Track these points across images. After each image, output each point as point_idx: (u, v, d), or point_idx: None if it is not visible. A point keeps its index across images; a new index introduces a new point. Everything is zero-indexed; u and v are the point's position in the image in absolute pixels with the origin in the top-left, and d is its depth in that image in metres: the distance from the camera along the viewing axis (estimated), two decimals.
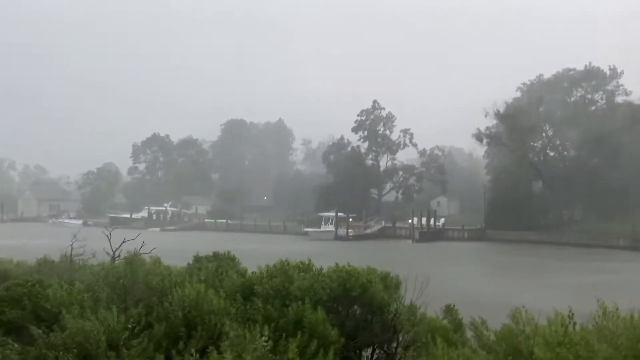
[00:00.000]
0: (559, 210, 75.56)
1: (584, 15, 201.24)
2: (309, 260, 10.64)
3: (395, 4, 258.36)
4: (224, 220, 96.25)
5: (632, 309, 7.68)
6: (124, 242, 17.21)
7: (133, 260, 13.49)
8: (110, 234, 17.87)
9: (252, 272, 11.67)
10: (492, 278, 41.32)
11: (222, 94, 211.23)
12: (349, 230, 78.70)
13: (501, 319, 9.62)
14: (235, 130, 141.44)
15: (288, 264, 10.20)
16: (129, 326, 8.49)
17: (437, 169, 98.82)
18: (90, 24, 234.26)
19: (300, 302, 8.65)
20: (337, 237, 76.10)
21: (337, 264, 9.72)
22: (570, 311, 7.21)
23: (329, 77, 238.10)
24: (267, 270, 10.40)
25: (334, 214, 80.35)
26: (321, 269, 10.08)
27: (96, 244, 18.04)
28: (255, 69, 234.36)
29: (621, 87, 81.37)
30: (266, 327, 7.84)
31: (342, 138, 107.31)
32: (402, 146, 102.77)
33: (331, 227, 79.31)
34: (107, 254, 17.39)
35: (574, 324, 7.14)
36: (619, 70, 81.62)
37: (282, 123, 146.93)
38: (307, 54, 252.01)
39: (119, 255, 16.76)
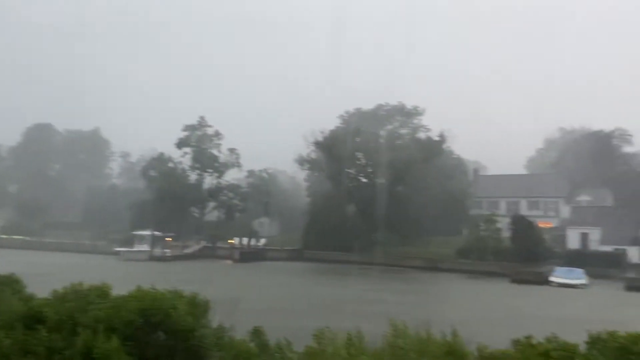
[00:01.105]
0: (368, 232, 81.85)
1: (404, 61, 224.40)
2: (107, 283, 9.70)
3: (220, 26, 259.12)
4: (21, 237, 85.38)
5: (420, 325, 8.46)
6: None
7: None
8: None
9: (42, 297, 10.28)
10: (300, 296, 42.76)
11: (30, 92, 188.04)
12: (166, 250, 75.28)
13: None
14: (40, 136, 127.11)
15: (82, 288, 9.16)
16: None
17: (262, 190, 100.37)
18: None
19: (92, 331, 7.78)
20: (153, 258, 72.23)
21: (139, 288, 8.99)
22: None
23: (151, 89, 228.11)
24: (58, 295, 9.22)
25: (149, 233, 76.30)
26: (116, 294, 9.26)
27: None
28: (74, 75, 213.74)
29: (422, 125, 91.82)
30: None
31: (163, 153, 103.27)
32: (228, 165, 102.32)
33: (146, 247, 75.05)
34: None
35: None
36: (421, 109, 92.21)
37: (97, 132, 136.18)
38: (126, 62, 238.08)
39: None
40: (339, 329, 8.78)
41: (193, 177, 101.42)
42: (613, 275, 56.38)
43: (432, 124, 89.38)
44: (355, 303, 37.31)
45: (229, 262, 72.71)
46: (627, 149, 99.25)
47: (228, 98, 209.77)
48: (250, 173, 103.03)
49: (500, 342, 9.13)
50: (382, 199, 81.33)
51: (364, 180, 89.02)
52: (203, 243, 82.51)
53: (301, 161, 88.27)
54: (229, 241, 78.51)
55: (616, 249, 63.34)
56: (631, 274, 55.20)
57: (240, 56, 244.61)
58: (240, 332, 10.61)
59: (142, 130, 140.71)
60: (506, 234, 69.70)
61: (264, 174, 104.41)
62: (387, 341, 8.24)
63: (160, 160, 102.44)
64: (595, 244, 66.53)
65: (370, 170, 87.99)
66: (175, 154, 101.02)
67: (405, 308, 32.17)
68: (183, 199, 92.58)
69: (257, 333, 9.87)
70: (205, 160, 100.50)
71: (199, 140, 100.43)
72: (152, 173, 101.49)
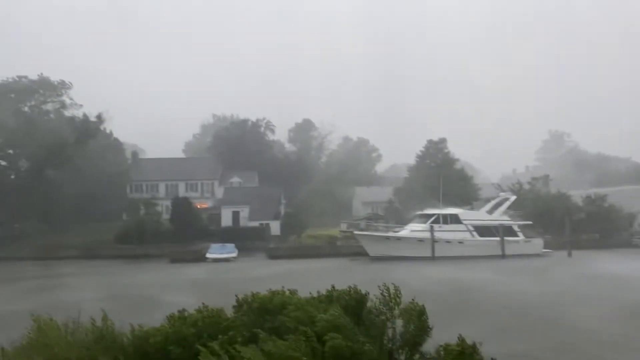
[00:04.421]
0: (10, 224, 71.46)
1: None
2: None
3: None
4: None
5: (68, 320, 7.80)
6: None
7: None
8: None
9: None
10: None
11: None
12: None
13: None
14: None
15: None
16: None
17: None
18: None
19: None
20: None
21: None
22: None
23: None
24: None
25: None
26: None
27: None
28: None
29: (73, 102, 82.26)
30: None
31: None
32: None
33: None
34: None
35: None
36: (68, 83, 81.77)
37: None
38: None
39: None
40: None
41: None
42: (259, 247, 64.01)
43: (85, 104, 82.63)
44: None
45: None
46: (271, 137, 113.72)
47: None
48: None
49: (157, 318, 9.26)
50: (27, 185, 71.97)
51: (3, 163, 76.95)
52: None
53: None
54: None
55: (261, 224, 72.15)
56: (272, 245, 63.77)
57: None
58: None
59: None
60: (166, 216, 71.10)
61: None
62: (29, 339, 7.37)
63: None
64: (245, 220, 74.28)
65: (10, 151, 76.53)
66: None
67: (53, 301, 29.48)
68: None
69: None
70: None
71: None
72: None
